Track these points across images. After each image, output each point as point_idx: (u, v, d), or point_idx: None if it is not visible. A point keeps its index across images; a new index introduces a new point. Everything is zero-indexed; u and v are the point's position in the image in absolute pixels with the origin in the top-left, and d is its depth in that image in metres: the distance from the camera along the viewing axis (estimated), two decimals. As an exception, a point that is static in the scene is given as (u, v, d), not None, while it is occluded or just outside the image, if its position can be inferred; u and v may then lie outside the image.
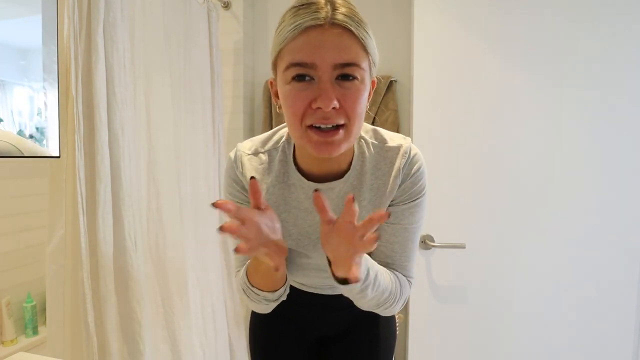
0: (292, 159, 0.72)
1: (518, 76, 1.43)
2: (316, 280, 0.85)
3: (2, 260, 1.60)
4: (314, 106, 0.58)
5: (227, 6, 1.96)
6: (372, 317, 0.94)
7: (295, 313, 0.92)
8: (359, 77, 0.59)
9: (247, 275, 0.71)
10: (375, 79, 0.67)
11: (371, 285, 0.63)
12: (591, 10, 1.37)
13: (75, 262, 1.09)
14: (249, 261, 0.72)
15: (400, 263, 0.73)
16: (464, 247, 1.46)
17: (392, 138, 0.74)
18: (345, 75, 0.58)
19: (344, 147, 0.61)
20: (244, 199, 0.73)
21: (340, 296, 0.87)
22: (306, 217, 0.73)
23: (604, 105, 1.39)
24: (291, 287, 0.83)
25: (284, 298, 0.74)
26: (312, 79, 0.58)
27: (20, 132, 1.21)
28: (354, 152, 0.71)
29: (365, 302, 0.68)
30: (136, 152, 1.26)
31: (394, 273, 0.72)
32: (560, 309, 1.47)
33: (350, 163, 0.71)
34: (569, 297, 1.46)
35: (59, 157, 1.12)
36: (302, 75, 0.58)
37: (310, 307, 0.92)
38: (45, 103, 1.23)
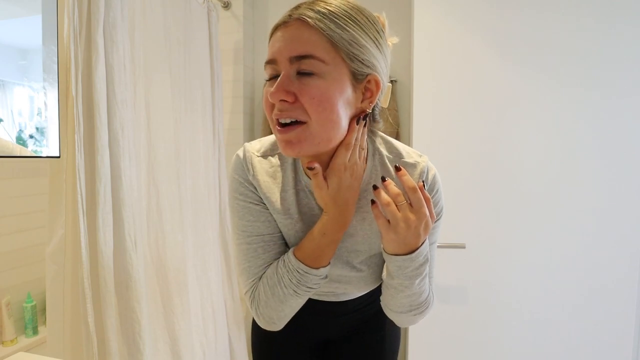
0: (301, 165, 0.69)
1: (518, 76, 1.43)
2: (324, 287, 0.81)
3: (2, 260, 1.60)
4: (270, 100, 0.58)
5: (227, 6, 1.96)
6: (377, 320, 0.94)
7: (299, 319, 0.91)
8: (316, 72, 0.56)
9: (294, 254, 0.67)
10: (379, 79, 0.62)
11: (421, 276, 0.63)
12: (593, 10, 1.37)
13: (75, 262, 1.09)
14: (292, 250, 0.68)
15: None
16: (464, 247, 1.46)
17: (408, 153, 0.71)
18: (303, 70, 0.56)
19: (306, 148, 0.58)
20: (256, 199, 0.70)
21: (345, 303, 0.87)
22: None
23: (606, 106, 1.39)
24: None
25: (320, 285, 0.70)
26: (278, 77, 0.58)
27: (20, 132, 1.22)
28: (366, 162, 0.68)
29: (404, 295, 0.67)
30: (136, 152, 1.26)
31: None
32: (561, 309, 1.47)
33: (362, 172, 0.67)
34: (569, 297, 1.46)
35: (59, 157, 1.12)
36: (273, 76, 0.59)
37: (314, 315, 0.89)
38: (45, 103, 1.23)
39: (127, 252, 1.17)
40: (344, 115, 0.59)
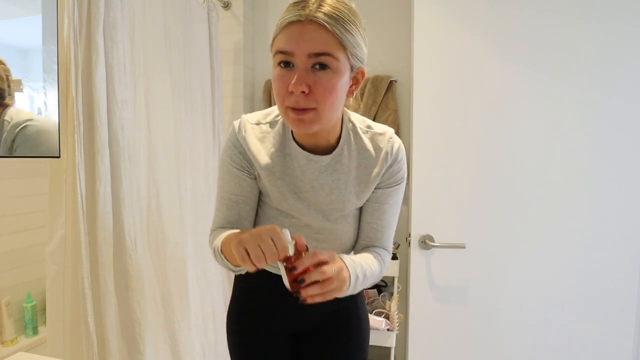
0: (290, 131, 0.82)
1: (518, 76, 1.43)
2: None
3: (2, 260, 1.60)
4: (289, 90, 0.68)
5: (227, 6, 1.96)
6: (346, 316, 0.98)
7: (271, 307, 0.94)
8: (331, 67, 0.68)
9: (221, 246, 0.78)
10: (364, 71, 0.76)
11: (360, 284, 0.75)
12: (593, 10, 1.37)
13: (75, 262, 1.09)
14: (228, 233, 0.78)
15: (386, 238, 0.87)
16: (464, 247, 1.46)
17: (377, 125, 0.86)
18: (319, 64, 0.67)
19: (315, 127, 0.72)
20: (239, 164, 0.83)
21: None
22: (299, 183, 0.82)
23: (606, 106, 1.39)
24: (269, 276, 0.88)
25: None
26: (293, 65, 0.69)
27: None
28: (341, 131, 0.82)
29: (358, 290, 0.78)
30: (136, 152, 1.26)
31: (376, 252, 0.85)
32: (560, 309, 1.47)
33: (339, 140, 0.82)
34: (569, 297, 1.46)
35: (59, 157, 1.12)
36: (286, 62, 0.69)
37: (287, 300, 0.91)
38: (45, 103, 1.23)
39: (127, 252, 1.17)
40: (342, 99, 0.74)
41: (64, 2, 1.05)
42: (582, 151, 1.41)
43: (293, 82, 0.67)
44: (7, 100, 1.15)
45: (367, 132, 0.84)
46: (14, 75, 1.22)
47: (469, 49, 1.45)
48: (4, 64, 1.15)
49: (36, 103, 1.24)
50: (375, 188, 0.84)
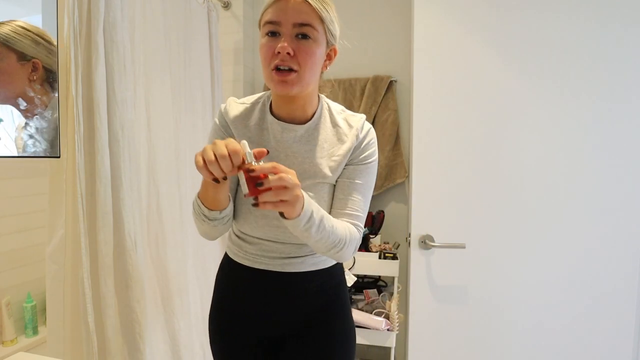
0: (269, 106, 0.91)
1: (518, 76, 1.43)
2: (267, 230, 0.90)
3: (2, 260, 1.60)
4: (276, 52, 0.79)
5: (227, 6, 1.96)
6: (328, 321, 0.96)
7: (248, 304, 0.95)
8: (312, 36, 0.80)
9: (198, 193, 0.85)
10: (336, 49, 0.88)
11: (315, 226, 0.76)
12: (595, 13, 1.37)
13: (75, 262, 1.09)
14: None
15: (354, 213, 0.88)
16: (464, 247, 1.46)
17: (350, 111, 0.96)
18: (302, 34, 0.79)
19: (296, 88, 0.81)
20: (221, 135, 0.93)
21: (293, 277, 0.93)
22: (273, 152, 0.89)
23: (607, 107, 1.39)
24: (244, 267, 0.93)
25: (222, 223, 0.87)
26: (279, 34, 0.79)
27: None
28: (317, 107, 0.91)
29: (313, 242, 0.79)
30: (136, 152, 1.26)
31: (344, 220, 0.87)
32: (560, 309, 1.47)
33: (314, 115, 0.90)
34: (569, 296, 1.46)
35: (59, 157, 1.12)
36: (273, 32, 0.80)
37: (264, 293, 0.93)
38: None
39: (127, 252, 1.17)
40: (319, 68, 0.85)
41: (64, 2, 1.05)
42: (582, 151, 1.41)
43: (280, 44, 0.78)
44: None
45: (341, 113, 0.93)
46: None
47: (469, 49, 1.45)
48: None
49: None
50: (347, 165, 0.90)
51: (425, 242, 1.50)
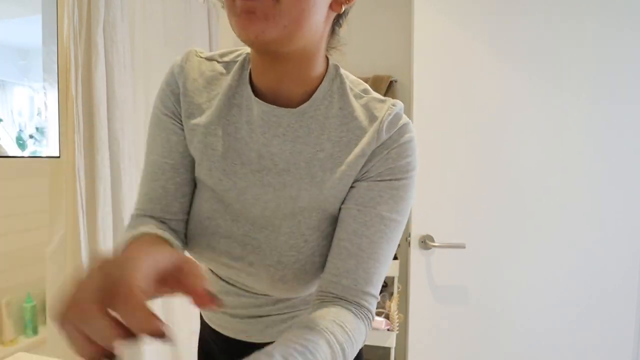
0: (247, 73, 0.57)
1: (518, 76, 1.43)
2: (231, 271, 0.61)
3: (2, 260, 1.60)
4: None
5: (227, 6, 1.96)
6: None
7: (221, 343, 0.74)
8: None
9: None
10: None
11: None
12: (595, 14, 1.37)
13: (75, 263, 1.09)
14: (132, 233, 0.54)
15: (366, 270, 0.51)
16: (464, 247, 1.46)
17: (380, 95, 0.57)
18: None
19: (270, 29, 0.44)
20: (171, 107, 0.58)
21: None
22: (241, 147, 0.55)
23: (607, 108, 1.39)
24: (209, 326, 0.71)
25: None
26: None
27: (20, 132, 1.22)
28: (322, 80, 0.55)
29: None
30: (136, 152, 1.26)
31: (349, 309, 0.50)
32: (560, 309, 1.47)
33: (315, 92, 0.54)
34: (569, 296, 1.46)
35: (59, 157, 1.12)
36: None
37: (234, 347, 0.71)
38: (45, 103, 1.23)
39: (127, 252, 1.17)
40: (322, 2, 0.46)
41: (64, 2, 1.05)
42: (582, 152, 1.41)
43: None
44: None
45: (361, 96, 0.55)
46: (14, 75, 1.22)
47: (469, 49, 1.45)
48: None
49: (36, 103, 1.24)
50: (357, 180, 0.53)
51: (425, 242, 1.50)
